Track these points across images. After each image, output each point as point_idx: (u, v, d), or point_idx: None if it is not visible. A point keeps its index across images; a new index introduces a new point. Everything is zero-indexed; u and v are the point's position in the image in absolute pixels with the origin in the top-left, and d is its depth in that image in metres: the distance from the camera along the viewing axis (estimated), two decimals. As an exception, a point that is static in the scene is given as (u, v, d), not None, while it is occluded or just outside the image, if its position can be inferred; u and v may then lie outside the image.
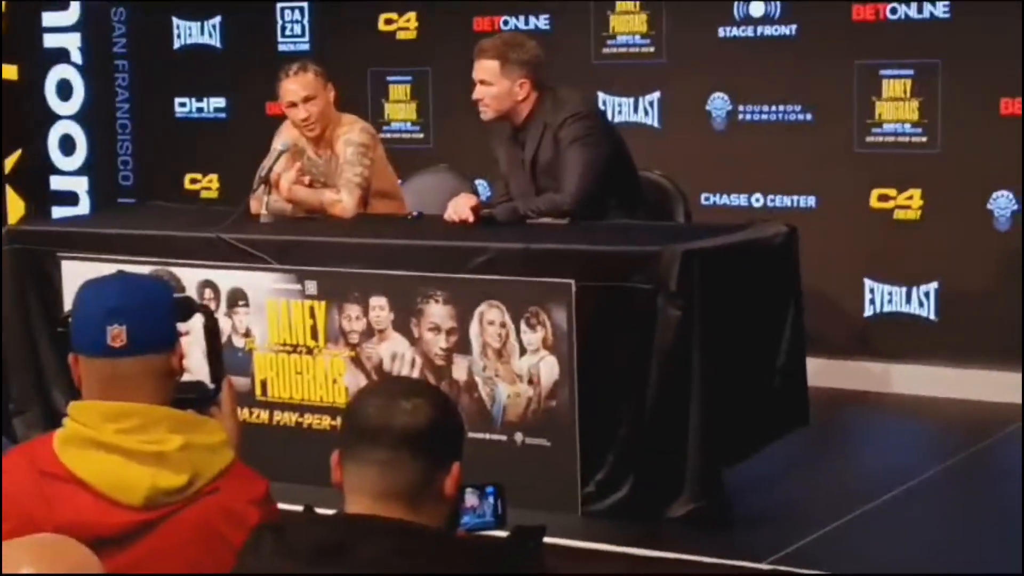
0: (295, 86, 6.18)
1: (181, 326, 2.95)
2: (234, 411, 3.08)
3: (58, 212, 9.16)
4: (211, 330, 3.18)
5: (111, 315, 2.80)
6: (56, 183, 9.37)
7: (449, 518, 2.57)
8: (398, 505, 2.48)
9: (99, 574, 1.97)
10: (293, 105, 6.20)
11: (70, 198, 9.32)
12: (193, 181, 8.96)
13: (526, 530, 2.53)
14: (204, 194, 8.91)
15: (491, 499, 2.70)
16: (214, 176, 8.90)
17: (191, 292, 5.65)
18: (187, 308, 3.02)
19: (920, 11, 7.01)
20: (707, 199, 7.45)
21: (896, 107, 7.10)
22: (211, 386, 3.08)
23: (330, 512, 2.54)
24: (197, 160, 8.95)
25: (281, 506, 2.86)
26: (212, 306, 5.62)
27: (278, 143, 6.27)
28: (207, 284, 5.71)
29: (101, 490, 2.73)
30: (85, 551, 1.97)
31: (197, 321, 3.12)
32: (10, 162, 9.37)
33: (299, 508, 2.60)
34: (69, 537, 2.00)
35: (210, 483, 2.80)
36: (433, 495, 2.51)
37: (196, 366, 3.14)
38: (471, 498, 2.67)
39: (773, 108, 7.37)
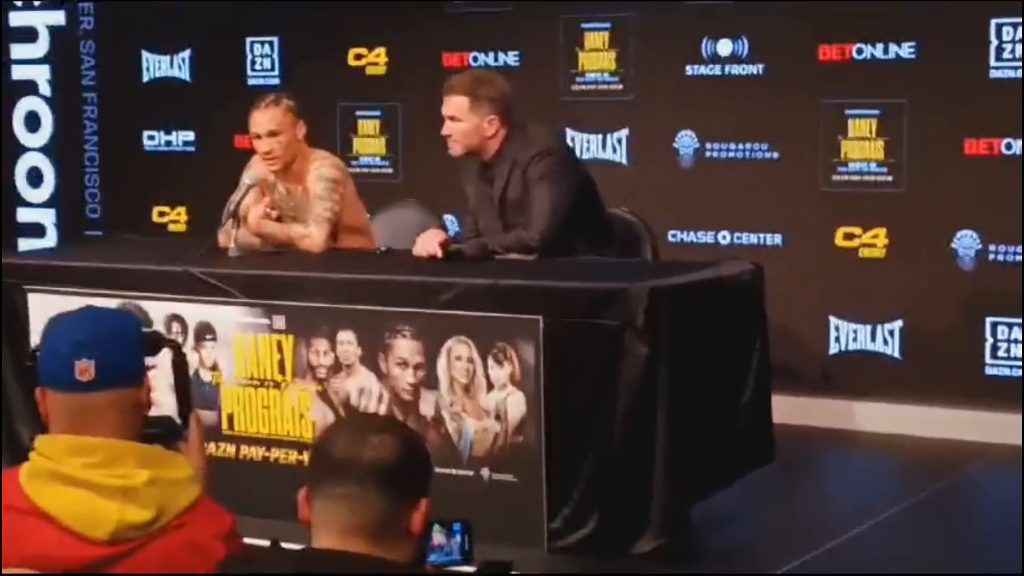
0: (262, 119, 6.19)
1: (148, 360, 2.96)
2: (201, 446, 3.09)
3: (25, 244, 9.14)
4: (179, 365, 3.19)
5: (79, 349, 2.79)
6: (23, 215, 9.35)
7: (416, 554, 2.58)
8: (365, 540, 2.49)
9: None
10: (258, 137, 6.22)
11: (37, 230, 9.30)
12: (161, 214, 8.96)
13: (493, 565, 2.55)
14: (172, 227, 8.91)
15: (458, 536, 2.71)
16: (182, 209, 8.90)
17: (159, 325, 5.65)
18: (155, 342, 3.03)
19: (886, 52, 7.08)
20: (674, 236, 7.49)
21: (862, 146, 7.16)
22: (179, 421, 3.08)
23: (297, 547, 2.55)
24: (165, 193, 8.95)
25: (248, 540, 2.86)
26: (179, 340, 5.62)
27: (247, 177, 6.27)
28: (174, 318, 5.71)
29: (67, 524, 2.73)
30: None
31: (165, 355, 3.13)
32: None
33: (266, 543, 2.61)
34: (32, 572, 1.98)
35: (176, 518, 2.79)
36: (400, 531, 2.52)
37: (164, 400, 3.15)
38: (438, 536, 2.68)
39: (740, 146, 7.42)
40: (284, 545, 2.63)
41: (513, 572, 3.22)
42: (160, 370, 3.13)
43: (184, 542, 2.79)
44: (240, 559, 2.55)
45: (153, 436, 2.94)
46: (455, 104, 5.89)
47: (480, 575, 2.52)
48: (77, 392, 2.79)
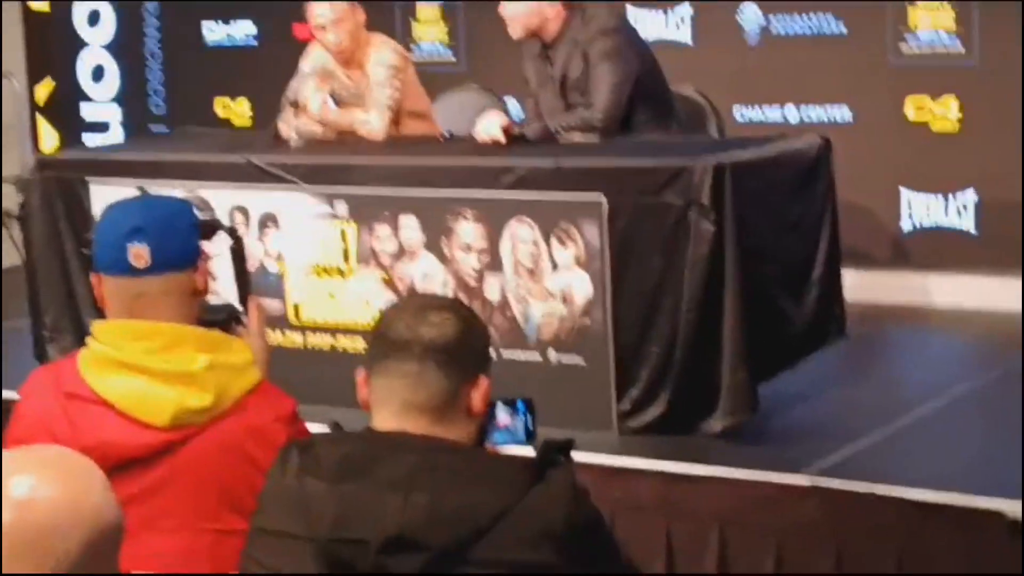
0: (320, 10, 6.13)
1: (209, 248, 2.93)
2: (261, 331, 3.08)
3: (90, 140, 9.14)
4: (237, 251, 3.20)
5: (132, 234, 2.79)
6: (88, 112, 9.35)
7: (477, 435, 2.55)
8: (425, 419, 2.47)
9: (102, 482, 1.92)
10: (321, 28, 6.15)
11: (102, 127, 9.30)
12: (224, 107, 8.93)
13: (554, 444, 2.51)
14: (236, 120, 8.88)
15: (521, 415, 2.68)
16: (244, 101, 8.86)
17: (222, 216, 5.63)
18: (210, 227, 3.01)
19: (956, -86, 6.90)
20: (741, 114, 7.37)
21: (932, 15, 6.98)
22: (239, 307, 3.07)
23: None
24: (228, 86, 8.91)
25: (315, 428, 2.84)
26: (243, 230, 5.60)
27: (306, 65, 6.24)
28: (237, 208, 5.69)
29: (127, 411, 2.73)
30: (86, 462, 1.93)
31: (224, 242, 3.12)
32: (42, 93, 9.36)
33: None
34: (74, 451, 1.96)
35: (236, 402, 2.79)
36: (461, 410, 2.50)
37: (227, 288, 3.15)
38: (503, 415, 2.65)
39: (805, 18, 7.27)
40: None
41: (580, 451, 3.16)
42: (221, 258, 3.12)
43: (245, 426, 2.79)
44: (300, 443, 2.52)
45: (213, 322, 2.93)
46: (514, -15, 5.80)
47: (541, 454, 2.47)
48: (132, 276, 2.79)
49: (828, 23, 7.22)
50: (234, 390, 2.79)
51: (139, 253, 2.77)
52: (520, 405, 2.68)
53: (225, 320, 3.00)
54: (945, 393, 5.61)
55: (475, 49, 8.02)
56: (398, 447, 2.43)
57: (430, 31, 8.21)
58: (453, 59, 8.17)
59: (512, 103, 7.29)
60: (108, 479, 1.91)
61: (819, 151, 5.48)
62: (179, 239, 2.84)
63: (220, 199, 5.66)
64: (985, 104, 6.94)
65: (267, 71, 8.08)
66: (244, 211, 5.68)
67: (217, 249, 3.05)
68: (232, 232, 3.19)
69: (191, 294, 2.85)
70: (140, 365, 2.74)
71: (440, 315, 2.52)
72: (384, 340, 2.52)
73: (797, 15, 7.27)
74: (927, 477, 4.67)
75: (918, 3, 7.00)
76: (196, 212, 2.97)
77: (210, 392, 2.75)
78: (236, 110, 8.90)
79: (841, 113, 7.23)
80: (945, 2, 6.94)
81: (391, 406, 2.49)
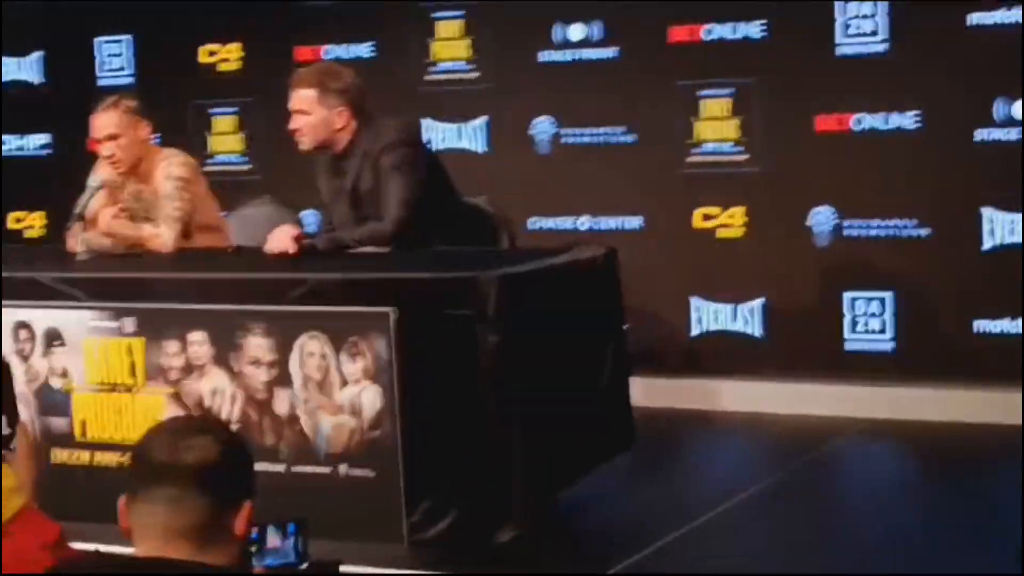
0: (101, 123, 6.11)
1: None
2: (29, 455, 3.04)
3: None
4: (2, 376, 3.15)
5: None
6: None
7: (240, 557, 2.54)
8: (187, 545, 2.45)
9: None
10: (99, 141, 6.14)
11: None
12: (17, 220, 8.82)
13: (322, 566, 2.51)
14: (28, 233, 8.78)
15: (292, 537, 2.68)
16: (39, 214, 8.76)
17: (6, 333, 5.54)
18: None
19: (735, 32, 7.11)
20: (534, 223, 7.48)
21: (716, 127, 7.19)
22: (6, 432, 3.03)
23: (122, 553, 2.50)
24: (21, 198, 8.80)
25: (101, 548, 2.80)
26: (27, 347, 5.52)
27: (93, 179, 6.18)
28: (22, 325, 5.59)
29: None
30: None
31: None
32: None
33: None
34: None
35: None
36: (223, 534, 2.48)
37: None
38: (273, 538, 2.65)
39: (596, 130, 7.42)
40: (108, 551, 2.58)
41: (370, 566, 3.18)
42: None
43: (8, 553, 2.74)
44: (60, 569, 2.49)
45: (-23, 448, 2.89)
46: (303, 97, 5.83)
47: (308, 574, 2.48)
48: None
49: (618, 134, 7.37)
50: (-4, 518, 2.75)
51: None
52: (291, 527, 2.68)
53: (-10, 446, 2.96)
54: (735, 494, 5.71)
55: (271, 159, 8.04)
56: (160, 573, 2.41)
57: (225, 141, 8.21)
58: (249, 168, 8.17)
59: (309, 215, 7.30)
60: None
61: (605, 261, 5.58)
62: (-63, 366, 2.80)
63: (5, 315, 5.57)
64: (769, 210, 7.13)
65: (61, 183, 8.02)
66: (29, 327, 5.59)
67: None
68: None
69: (-48, 422, 2.81)
70: None
71: (200, 439, 2.50)
72: (144, 465, 2.51)
73: (588, 128, 7.42)
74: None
75: (703, 116, 7.18)
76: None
77: (-30, 521, 2.71)
78: (30, 222, 8.78)
79: (632, 221, 7.37)
80: (731, 119, 7.14)
81: (153, 532, 2.47)
